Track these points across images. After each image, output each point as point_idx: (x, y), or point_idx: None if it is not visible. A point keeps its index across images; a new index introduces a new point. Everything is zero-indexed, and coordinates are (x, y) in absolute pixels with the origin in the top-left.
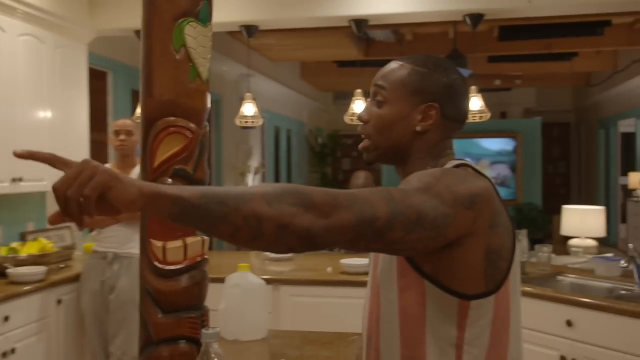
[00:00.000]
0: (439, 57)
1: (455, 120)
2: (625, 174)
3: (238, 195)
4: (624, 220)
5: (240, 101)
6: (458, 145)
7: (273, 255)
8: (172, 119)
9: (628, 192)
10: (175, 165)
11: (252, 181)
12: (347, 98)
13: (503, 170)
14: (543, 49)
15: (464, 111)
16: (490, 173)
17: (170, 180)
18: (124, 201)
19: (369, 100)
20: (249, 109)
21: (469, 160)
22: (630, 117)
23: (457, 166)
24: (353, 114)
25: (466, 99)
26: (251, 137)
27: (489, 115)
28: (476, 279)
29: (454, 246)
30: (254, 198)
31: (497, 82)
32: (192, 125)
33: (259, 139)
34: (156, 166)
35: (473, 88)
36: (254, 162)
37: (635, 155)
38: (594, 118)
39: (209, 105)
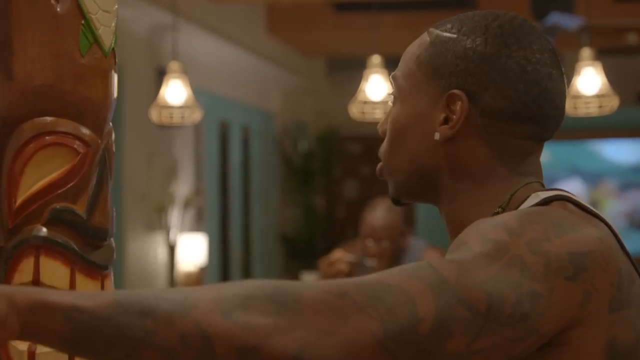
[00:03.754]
0: (507, 16)
1: (516, 119)
2: None
3: (174, 300)
4: None
5: (159, 76)
6: (554, 153)
7: None
8: (49, 119)
9: None
10: (55, 202)
11: (178, 220)
12: (352, 68)
13: None
14: None
15: (539, 101)
16: (618, 205)
17: (44, 230)
18: None
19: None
20: (175, 91)
21: (567, 191)
22: None
23: (546, 201)
24: (366, 102)
25: (547, 81)
26: (176, 143)
27: (616, 101)
28: None
29: (552, 348)
30: (200, 304)
31: (632, 39)
32: (85, 132)
33: (191, 145)
34: (19, 204)
35: (586, 51)
36: (182, 188)
37: None
38: None
39: (114, 94)
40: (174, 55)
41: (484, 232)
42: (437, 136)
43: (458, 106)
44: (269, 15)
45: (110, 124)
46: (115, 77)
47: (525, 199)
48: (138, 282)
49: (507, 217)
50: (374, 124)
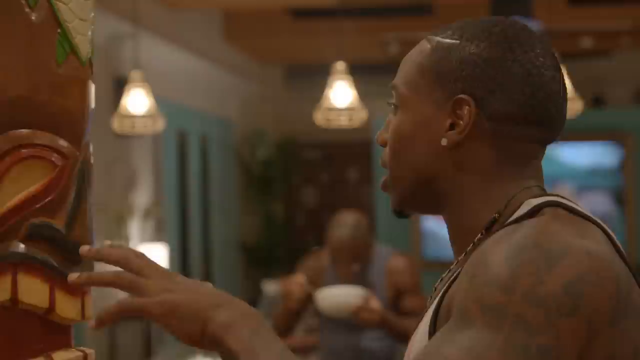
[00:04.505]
0: (507, 21)
1: (522, 122)
2: None
3: None
4: None
5: (117, 85)
6: None
7: None
8: (25, 131)
9: None
10: (33, 217)
11: (137, 231)
12: (312, 76)
13: (600, 202)
14: None
15: (545, 104)
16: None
17: (22, 246)
18: (184, 336)
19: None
20: (137, 100)
21: (560, 195)
22: None
23: (538, 208)
24: (331, 108)
25: (552, 84)
26: (133, 152)
27: (580, 105)
28: None
29: None
30: None
31: (587, 43)
32: (63, 144)
33: (149, 155)
34: None
35: None
36: (141, 198)
37: None
38: None
39: (92, 104)
40: (135, 65)
41: (480, 296)
42: (444, 142)
43: (465, 111)
44: (226, 22)
45: (88, 135)
46: (92, 87)
47: (519, 207)
48: (99, 292)
49: (498, 261)
50: (332, 130)
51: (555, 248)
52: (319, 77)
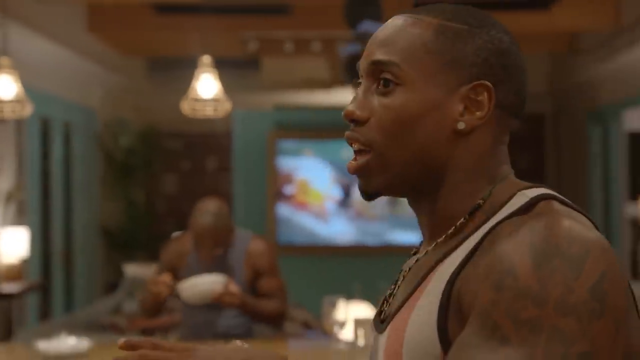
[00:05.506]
0: (474, 7)
1: (512, 113)
2: (634, 197)
3: None
4: (635, 273)
5: None
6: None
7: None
8: None
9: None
10: None
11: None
12: (173, 68)
13: None
14: None
15: (525, 97)
16: None
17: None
18: None
19: (358, 86)
20: (4, 86)
21: (545, 187)
22: None
23: (534, 201)
24: (197, 99)
25: (526, 77)
26: None
27: None
28: None
29: None
30: None
31: None
32: None
33: (11, 141)
34: None
35: None
36: (3, 183)
37: None
38: (583, 106)
39: None
40: (2, 52)
41: (512, 310)
42: (461, 125)
43: (485, 97)
44: (90, 14)
45: None
46: None
47: (511, 197)
48: None
49: (526, 273)
50: (193, 121)
51: (576, 251)
52: (181, 69)
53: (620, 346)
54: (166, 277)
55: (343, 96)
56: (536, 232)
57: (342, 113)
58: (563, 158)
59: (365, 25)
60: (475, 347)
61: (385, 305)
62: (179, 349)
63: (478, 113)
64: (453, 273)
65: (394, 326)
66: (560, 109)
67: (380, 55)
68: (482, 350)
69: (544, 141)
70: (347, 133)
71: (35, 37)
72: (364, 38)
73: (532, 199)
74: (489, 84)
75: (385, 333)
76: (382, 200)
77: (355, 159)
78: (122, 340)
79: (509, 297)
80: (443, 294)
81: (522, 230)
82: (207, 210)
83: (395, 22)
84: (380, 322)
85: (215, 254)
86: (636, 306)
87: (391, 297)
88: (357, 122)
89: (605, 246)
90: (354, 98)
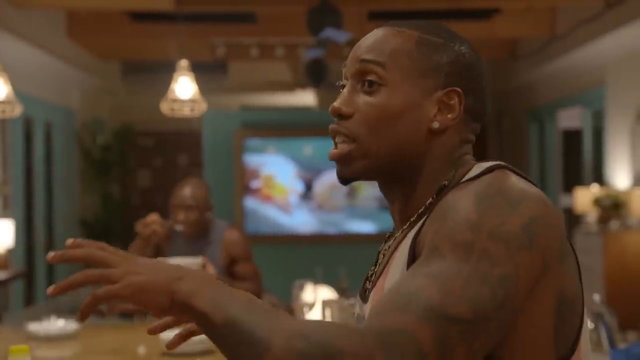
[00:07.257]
0: (442, 24)
1: (477, 117)
2: (568, 189)
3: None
4: None
5: None
6: (317, 148)
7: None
8: None
9: (574, 218)
10: None
11: None
12: (147, 71)
13: None
14: (449, 3)
15: (486, 104)
16: (372, 191)
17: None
18: (155, 310)
19: (344, 86)
20: None
21: (502, 163)
22: (575, 105)
23: (490, 169)
24: (176, 100)
25: (488, 87)
26: None
27: None
28: (542, 347)
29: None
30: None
31: None
32: None
33: None
34: None
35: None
36: None
37: (583, 161)
38: (523, 107)
39: None
40: None
41: (451, 234)
42: (435, 125)
43: (456, 101)
44: (69, 21)
45: None
46: None
47: (470, 169)
48: None
49: (468, 207)
50: (165, 120)
51: (516, 195)
52: (154, 73)
53: (550, 286)
54: (155, 216)
55: (304, 98)
56: (483, 183)
57: (329, 109)
58: (505, 154)
59: (327, 32)
60: (417, 266)
61: (367, 284)
62: (122, 254)
63: (450, 115)
64: (416, 233)
65: (375, 291)
66: (501, 110)
67: (368, 56)
68: (421, 265)
69: (487, 139)
70: (331, 126)
71: (17, 43)
72: (325, 44)
73: (487, 168)
74: (460, 90)
75: (369, 300)
76: (340, 193)
77: (336, 147)
78: (70, 240)
79: (450, 225)
80: (409, 250)
81: (472, 184)
82: (187, 181)
83: (379, 32)
84: (365, 294)
85: (191, 219)
86: (577, 261)
87: (372, 276)
88: (343, 116)
89: (544, 199)
90: (340, 96)
